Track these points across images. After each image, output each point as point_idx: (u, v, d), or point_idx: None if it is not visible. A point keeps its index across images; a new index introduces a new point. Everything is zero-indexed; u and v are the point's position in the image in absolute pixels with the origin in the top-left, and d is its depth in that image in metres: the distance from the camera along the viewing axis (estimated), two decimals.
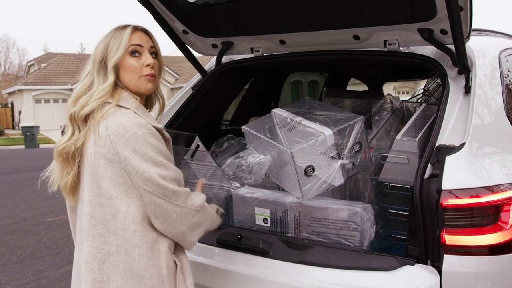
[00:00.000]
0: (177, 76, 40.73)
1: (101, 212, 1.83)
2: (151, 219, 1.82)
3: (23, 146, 26.52)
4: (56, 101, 41.32)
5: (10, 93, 43.69)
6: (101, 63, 1.95)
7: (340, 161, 2.45)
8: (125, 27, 2.01)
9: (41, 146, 26.93)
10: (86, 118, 1.91)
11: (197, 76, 3.48)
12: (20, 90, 40.28)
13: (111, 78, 1.93)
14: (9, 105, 42.48)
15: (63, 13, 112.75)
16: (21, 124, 32.51)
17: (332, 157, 2.44)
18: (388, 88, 6.33)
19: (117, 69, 1.96)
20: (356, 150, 2.50)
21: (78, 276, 1.91)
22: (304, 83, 9.87)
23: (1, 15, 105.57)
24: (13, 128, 40.14)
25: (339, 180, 2.46)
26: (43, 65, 44.45)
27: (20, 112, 40.61)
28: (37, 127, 28.24)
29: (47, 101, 40.96)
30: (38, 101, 40.56)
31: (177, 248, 1.96)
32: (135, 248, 1.80)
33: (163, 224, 1.83)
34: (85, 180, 1.89)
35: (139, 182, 1.78)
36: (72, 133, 1.92)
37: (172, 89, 38.87)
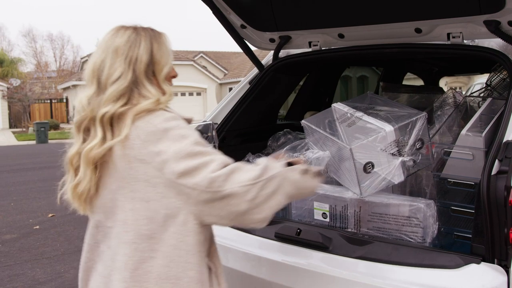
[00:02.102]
0: (226, 72, 41.04)
1: (133, 217, 1.73)
2: (200, 216, 1.73)
3: None
4: None
5: (65, 89, 45.02)
6: (148, 66, 1.83)
7: (400, 158, 2.41)
8: (159, 33, 1.92)
9: None
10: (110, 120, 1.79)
11: (254, 71, 3.49)
12: (74, 86, 41.43)
13: (166, 88, 1.86)
14: (64, 100, 43.79)
15: (115, 15, 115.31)
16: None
17: (393, 154, 2.40)
18: (440, 83, 6.16)
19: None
20: (417, 147, 2.45)
21: (105, 284, 1.80)
22: (353, 78, 9.76)
23: (58, 16, 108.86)
24: (68, 122, 41.34)
25: (399, 178, 2.42)
26: None
27: (74, 107, 41.61)
28: None
29: None
30: None
31: (211, 251, 1.88)
32: (174, 250, 1.72)
33: (219, 215, 1.71)
34: (112, 186, 1.79)
35: (175, 179, 1.68)
36: (104, 136, 1.76)
37: (220, 84, 39.18)
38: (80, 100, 1.83)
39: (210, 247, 1.87)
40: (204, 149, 1.74)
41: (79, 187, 1.81)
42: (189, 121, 1.86)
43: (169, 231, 1.71)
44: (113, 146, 1.74)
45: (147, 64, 1.82)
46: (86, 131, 1.81)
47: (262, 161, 1.82)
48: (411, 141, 2.43)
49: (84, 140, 1.81)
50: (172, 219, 1.71)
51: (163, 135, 1.71)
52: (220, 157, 1.75)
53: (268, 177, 1.74)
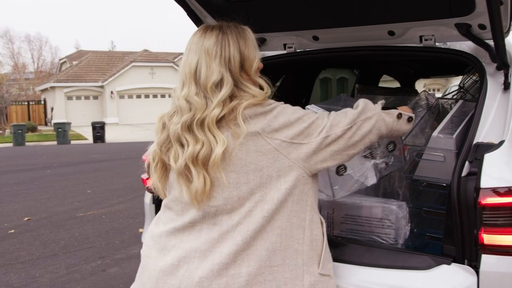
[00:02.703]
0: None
1: (248, 189, 1.85)
2: (308, 166, 1.90)
3: (55, 142, 27.05)
4: (87, 98, 42.01)
5: (42, 90, 44.56)
6: (241, 64, 1.94)
7: (372, 161, 2.42)
8: (243, 28, 2.03)
9: (72, 142, 27.41)
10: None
11: None
12: (52, 87, 41.06)
13: (260, 81, 1.98)
14: (42, 102, 43.32)
15: (93, 15, 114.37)
16: (53, 121, 33.21)
17: (365, 156, 2.41)
18: (419, 86, 6.24)
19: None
20: (390, 149, 2.46)
21: (205, 257, 1.84)
22: (333, 80, 9.81)
23: (36, 17, 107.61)
24: (46, 124, 40.96)
25: (371, 180, 2.43)
26: (74, 62, 45.22)
27: (52, 109, 41.40)
28: (69, 123, 28.81)
29: (78, 98, 41.66)
30: (69, 98, 41.28)
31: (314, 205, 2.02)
32: (282, 203, 1.85)
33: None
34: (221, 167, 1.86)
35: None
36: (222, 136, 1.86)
37: None
38: (184, 98, 1.90)
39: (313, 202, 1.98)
40: (309, 112, 1.97)
41: (206, 188, 1.85)
42: None
43: (281, 189, 1.84)
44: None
45: (239, 62, 1.93)
46: (197, 131, 1.87)
47: (361, 102, 2.08)
48: (383, 144, 2.44)
49: (196, 141, 1.86)
50: (283, 179, 1.84)
51: (270, 110, 1.88)
52: (323, 113, 2.00)
53: (365, 118, 2.00)
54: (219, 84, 1.87)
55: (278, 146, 1.84)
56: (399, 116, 2.13)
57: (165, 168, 1.99)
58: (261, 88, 1.96)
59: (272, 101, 1.94)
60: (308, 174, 1.90)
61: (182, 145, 1.89)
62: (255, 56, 1.99)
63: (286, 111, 1.90)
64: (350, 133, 1.94)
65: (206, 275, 1.79)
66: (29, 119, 38.86)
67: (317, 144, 1.88)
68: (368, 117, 2.01)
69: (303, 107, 3.01)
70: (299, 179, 1.87)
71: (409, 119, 2.18)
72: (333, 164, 1.95)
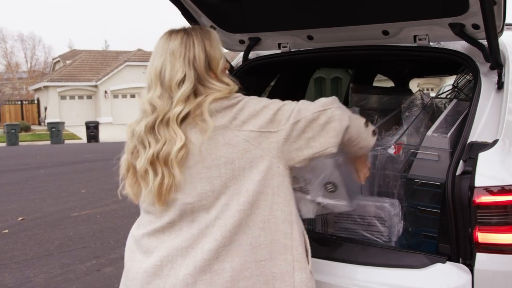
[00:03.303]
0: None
1: (221, 183, 1.85)
2: (282, 156, 1.88)
3: (48, 142, 26.96)
4: (81, 97, 41.88)
5: (36, 90, 44.38)
6: (206, 63, 1.95)
7: (305, 196, 2.27)
8: (207, 30, 2.05)
9: (66, 142, 27.33)
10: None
11: None
12: (46, 87, 40.91)
13: (226, 79, 1.98)
14: (35, 101, 43.16)
15: (87, 15, 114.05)
16: (47, 120, 33.10)
17: (295, 189, 2.06)
18: (412, 85, 6.27)
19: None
20: (329, 190, 2.27)
21: (187, 254, 1.84)
22: (327, 79, 9.82)
23: (29, 16, 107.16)
24: (39, 124, 40.80)
25: (305, 214, 2.24)
26: (68, 62, 45.08)
27: (46, 108, 41.25)
28: (62, 123, 28.72)
29: (72, 97, 41.54)
30: (63, 97, 41.15)
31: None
32: (260, 196, 1.85)
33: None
34: (189, 163, 1.86)
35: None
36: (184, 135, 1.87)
37: None
38: (148, 102, 1.93)
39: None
40: (275, 100, 1.94)
41: (164, 185, 1.86)
42: None
43: (255, 180, 1.83)
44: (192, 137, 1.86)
45: (205, 61, 1.95)
46: (157, 132, 1.89)
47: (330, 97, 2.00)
48: (317, 181, 2.26)
49: (157, 141, 1.88)
50: (255, 170, 1.84)
51: (236, 103, 1.88)
52: (288, 101, 1.93)
53: (339, 106, 1.94)
54: (181, 82, 1.90)
55: (247, 137, 1.83)
56: (367, 124, 2.07)
57: (136, 175, 1.99)
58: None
59: (239, 94, 1.95)
60: (285, 165, 1.88)
61: (145, 148, 1.91)
62: (221, 56, 2.01)
63: (252, 102, 1.91)
64: (323, 117, 1.88)
65: (189, 272, 1.80)
66: (22, 119, 38.70)
67: (287, 131, 1.85)
68: (342, 107, 1.96)
69: None
70: (273, 169, 1.85)
71: (374, 132, 2.11)
72: (311, 153, 1.88)
